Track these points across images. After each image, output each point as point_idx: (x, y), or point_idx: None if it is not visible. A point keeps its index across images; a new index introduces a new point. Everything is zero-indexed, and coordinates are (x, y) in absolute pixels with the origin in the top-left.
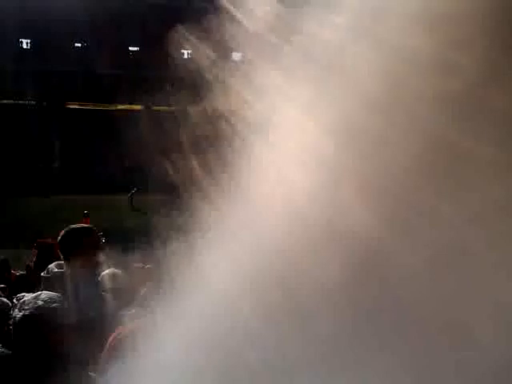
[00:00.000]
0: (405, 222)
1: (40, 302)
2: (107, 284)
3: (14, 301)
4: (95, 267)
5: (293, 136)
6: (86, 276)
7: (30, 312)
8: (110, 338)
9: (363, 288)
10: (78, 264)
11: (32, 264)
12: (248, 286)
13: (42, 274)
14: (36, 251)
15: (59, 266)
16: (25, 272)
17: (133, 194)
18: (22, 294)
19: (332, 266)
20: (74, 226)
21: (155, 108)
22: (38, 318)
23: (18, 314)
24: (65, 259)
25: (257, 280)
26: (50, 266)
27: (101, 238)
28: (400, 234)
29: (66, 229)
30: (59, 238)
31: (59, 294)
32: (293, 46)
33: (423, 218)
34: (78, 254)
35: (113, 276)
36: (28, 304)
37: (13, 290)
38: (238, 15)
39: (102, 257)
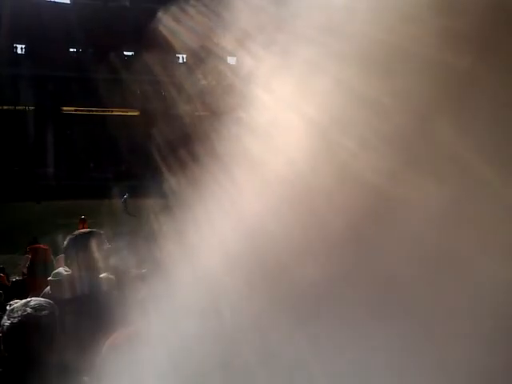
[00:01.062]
0: (391, 216)
1: (29, 310)
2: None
3: (7, 307)
4: (100, 271)
5: (283, 132)
6: (93, 279)
7: (19, 320)
8: (105, 343)
9: (354, 283)
10: (86, 268)
11: (25, 269)
12: (247, 286)
13: (49, 278)
14: (29, 257)
15: (67, 271)
16: (20, 277)
17: (125, 199)
18: (15, 300)
19: (322, 257)
20: (81, 230)
21: (150, 112)
22: (27, 325)
23: (6, 321)
24: (71, 263)
25: (255, 279)
26: (57, 271)
27: (107, 242)
28: (385, 227)
29: (74, 233)
30: (66, 242)
31: (50, 301)
32: (281, 44)
33: (409, 214)
34: (87, 259)
35: (106, 281)
36: (17, 312)
37: (9, 295)
38: (231, 18)
39: (106, 261)
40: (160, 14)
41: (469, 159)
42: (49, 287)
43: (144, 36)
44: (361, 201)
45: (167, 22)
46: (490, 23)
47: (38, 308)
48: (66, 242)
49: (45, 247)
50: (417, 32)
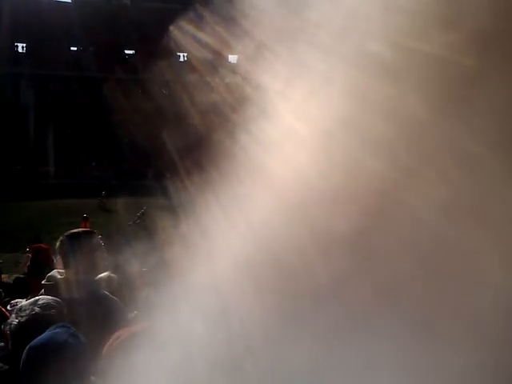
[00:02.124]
0: (399, 219)
1: (37, 309)
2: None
3: (8, 307)
4: (96, 271)
5: (290, 137)
6: (89, 280)
7: (27, 319)
8: (109, 342)
9: (362, 284)
10: (80, 268)
11: (26, 268)
12: (245, 285)
13: (43, 282)
14: (29, 256)
15: (61, 274)
16: (22, 276)
17: (102, 197)
18: (16, 300)
19: (333, 261)
20: (75, 230)
21: (152, 111)
22: (34, 324)
23: (14, 320)
24: (66, 264)
25: (255, 279)
26: (51, 274)
27: (101, 242)
28: (394, 231)
29: (67, 233)
30: (59, 242)
31: (58, 299)
32: (290, 50)
33: (410, 214)
34: (81, 258)
35: (108, 280)
36: (24, 311)
37: (10, 293)
38: (235, 18)
39: (102, 260)
40: (165, 14)
41: (478, 160)
42: (43, 290)
43: (145, 34)
44: (370, 203)
45: (172, 24)
46: (496, 24)
47: (45, 307)
48: (58, 242)
49: (45, 246)
50: (430, 34)
